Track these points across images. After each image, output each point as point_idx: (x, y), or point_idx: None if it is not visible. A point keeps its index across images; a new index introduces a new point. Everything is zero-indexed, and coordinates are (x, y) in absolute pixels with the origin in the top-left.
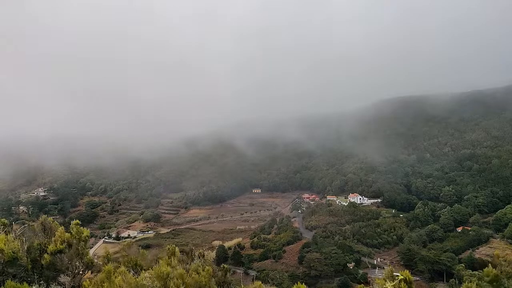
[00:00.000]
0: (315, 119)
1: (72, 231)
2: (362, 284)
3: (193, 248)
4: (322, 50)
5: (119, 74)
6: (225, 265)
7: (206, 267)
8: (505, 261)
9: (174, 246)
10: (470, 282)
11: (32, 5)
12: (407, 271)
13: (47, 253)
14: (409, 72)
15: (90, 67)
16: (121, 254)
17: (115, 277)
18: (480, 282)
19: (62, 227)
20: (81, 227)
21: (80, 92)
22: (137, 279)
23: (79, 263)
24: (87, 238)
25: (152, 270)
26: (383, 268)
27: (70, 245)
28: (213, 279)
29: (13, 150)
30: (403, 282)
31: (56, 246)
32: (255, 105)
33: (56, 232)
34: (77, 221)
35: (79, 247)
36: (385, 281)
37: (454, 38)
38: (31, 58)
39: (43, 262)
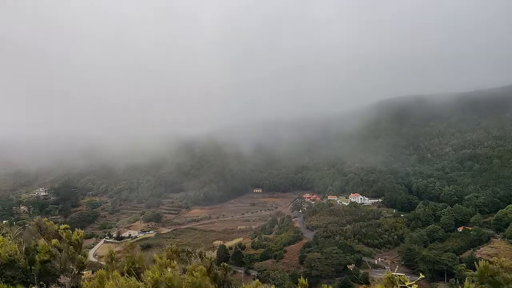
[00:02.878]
0: (316, 119)
1: (61, 235)
2: (364, 285)
3: (190, 250)
4: (321, 50)
5: (113, 77)
6: (225, 263)
7: (199, 266)
8: (502, 267)
9: (172, 246)
10: (472, 282)
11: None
12: (404, 275)
13: (37, 263)
14: (409, 72)
15: (85, 71)
16: (123, 255)
17: (108, 281)
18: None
19: (48, 234)
20: (70, 231)
21: (76, 93)
22: (129, 283)
23: (73, 265)
24: (78, 241)
25: (145, 274)
26: (384, 268)
27: (60, 250)
28: (207, 278)
29: (14, 150)
30: None
31: (41, 257)
32: (252, 105)
33: (39, 241)
34: (66, 225)
35: (69, 251)
36: (385, 286)
37: (454, 38)
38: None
39: (34, 268)
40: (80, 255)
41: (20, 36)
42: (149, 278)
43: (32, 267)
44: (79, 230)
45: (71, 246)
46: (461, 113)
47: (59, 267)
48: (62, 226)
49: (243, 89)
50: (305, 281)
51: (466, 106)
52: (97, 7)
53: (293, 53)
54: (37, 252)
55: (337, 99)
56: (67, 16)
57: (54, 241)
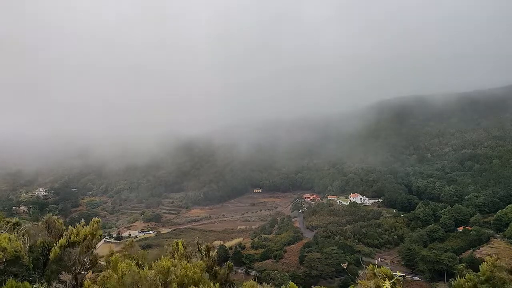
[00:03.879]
0: (316, 119)
1: (92, 226)
2: (352, 284)
3: (199, 242)
4: (320, 50)
5: (113, 77)
6: (230, 262)
7: (199, 262)
8: (495, 267)
9: (177, 241)
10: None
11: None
12: (385, 267)
13: (57, 247)
14: (410, 72)
15: (86, 71)
16: (122, 253)
17: (120, 264)
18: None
19: (83, 220)
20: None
21: (76, 93)
22: (140, 272)
23: (87, 259)
24: (100, 236)
25: (155, 265)
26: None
27: (75, 243)
28: (206, 274)
29: (14, 150)
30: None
31: (68, 239)
32: (252, 105)
33: (70, 226)
34: (99, 219)
35: (92, 243)
36: (368, 280)
37: (454, 38)
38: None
39: (51, 255)
40: (94, 250)
41: (20, 36)
42: (161, 266)
43: (51, 252)
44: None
45: (95, 239)
46: (461, 113)
47: (74, 257)
48: (95, 219)
49: (243, 89)
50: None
51: (466, 106)
52: (96, 7)
53: (293, 53)
54: (48, 246)
55: (337, 99)
56: (67, 17)
57: (86, 229)
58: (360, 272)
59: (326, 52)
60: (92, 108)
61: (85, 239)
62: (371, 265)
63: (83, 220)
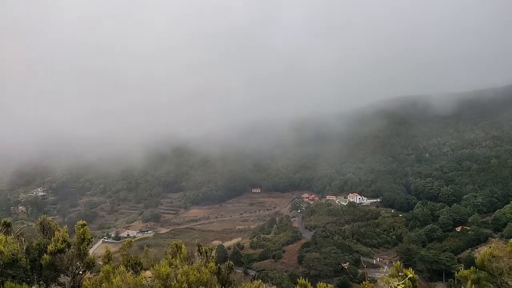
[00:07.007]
0: (315, 119)
1: (78, 231)
2: (368, 281)
3: (200, 243)
4: (319, 50)
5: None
6: (231, 262)
7: (210, 263)
8: (493, 257)
9: (180, 242)
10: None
11: None
12: (411, 269)
13: (47, 253)
14: (408, 72)
15: (84, 71)
16: (120, 253)
17: (114, 277)
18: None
19: (66, 226)
20: (86, 226)
21: (75, 94)
22: (136, 279)
23: (80, 263)
24: (90, 239)
25: (153, 269)
26: (383, 267)
27: (69, 245)
28: (215, 277)
29: (12, 150)
30: (408, 280)
31: (56, 246)
32: (251, 105)
33: (56, 232)
34: (84, 222)
35: (81, 248)
36: (391, 278)
37: (453, 37)
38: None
39: (42, 262)
40: (90, 254)
41: None
42: (159, 272)
43: (41, 259)
44: (86, 227)
45: (85, 243)
46: (460, 113)
47: (66, 261)
48: (80, 222)
49: (242, 89)
50: (305, 281)
51: (465, 106)
52: (87, 4)
53: (292, 53)
54: (44, 247)
55: (336, 99)
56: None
57: (66, 235)
58: (382, 271)
59: (325, 52)
60: (89, 110)
61: (70, 245)
62: (397, 262)
63: (65, 226)
